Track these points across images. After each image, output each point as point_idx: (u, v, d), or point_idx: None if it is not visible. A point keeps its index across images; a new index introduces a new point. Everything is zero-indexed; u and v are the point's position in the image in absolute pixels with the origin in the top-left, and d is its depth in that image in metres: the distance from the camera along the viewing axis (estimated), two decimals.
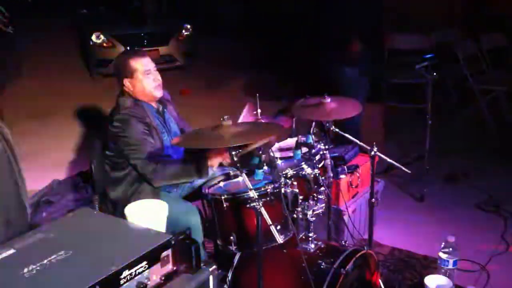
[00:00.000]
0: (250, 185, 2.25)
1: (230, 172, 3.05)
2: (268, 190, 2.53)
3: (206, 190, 2.76)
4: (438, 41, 6.15)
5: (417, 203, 4.40)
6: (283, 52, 8.19)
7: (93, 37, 7.91)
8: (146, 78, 2.98)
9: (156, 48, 7.99)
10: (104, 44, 7.93)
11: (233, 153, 2.29)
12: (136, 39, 8.00)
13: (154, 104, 3.12)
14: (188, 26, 8.47)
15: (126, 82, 3.00)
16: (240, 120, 3.22)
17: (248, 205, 2.23)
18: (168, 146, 3.06)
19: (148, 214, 2.01)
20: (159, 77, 3.06)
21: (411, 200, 4.45)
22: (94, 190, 3.18)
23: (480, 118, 5.70)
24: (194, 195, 3.27)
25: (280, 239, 2.31)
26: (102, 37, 7.93)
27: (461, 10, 7.26)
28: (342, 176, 3.49)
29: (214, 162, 2.70)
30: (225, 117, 2.34)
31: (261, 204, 2.19)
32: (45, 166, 5.10)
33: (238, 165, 2.28)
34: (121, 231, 1.65)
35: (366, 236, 3.53)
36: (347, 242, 2.90)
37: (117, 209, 3.01)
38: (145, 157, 2.82)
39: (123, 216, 2.83)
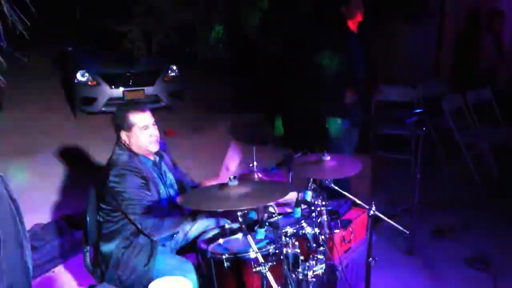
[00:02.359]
0: (256, 249, 2.22)
1: (226, 225, 3.03)
2: (270, 251, 2.50)
3: (205, 247, 2.72)
4: (425, 94, 6.29)
5: (406, 256, 4.39)
6: (272, 95, 8.26)
7: (78, 75, 7.88)
8: (142, 133, 2.98)
9: (142, 88, 7.99)
10: (89, 83, 7.89)
11: (239, 214, 2.28)
12: (122, 78, 7.99)
13: (150, 156, 3.10)
14: (174, 67, 8.50)
15: (123, 134, 3.00)
16: (226, 160, 3.24)
17: (253, 269, 2.20)
18: (165, 198, 3.04)
19: None
20: (156, 132, 3.05)
21: (399, 253, 4.44)
22: (86, 242, 3.11)
23: (466, 172, 5.78)
24: (187, 248, 3.24)
25: None
26: (87, 75, 7.89)
27: (448, 64, 7.47)
28: (336, 231, 3.48)
29: None
30: (232, 177, 2.33)
31: (267, 268, 2.17)
32: (28, 205, 4.96)
33: (243, 226, 2.27)
34: None
35: None
36: None
37: (109, 262, 2.95)
38: (144, 212, 2.80)
39: (114, 270, 2.80)
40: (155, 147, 3.06)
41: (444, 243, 4.58)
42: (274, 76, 8.45)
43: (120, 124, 3.00)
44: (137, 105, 3.10)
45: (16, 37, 3.79)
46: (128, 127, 2.98)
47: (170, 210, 3.02)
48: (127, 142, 3.00)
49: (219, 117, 8.21)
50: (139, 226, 2.81)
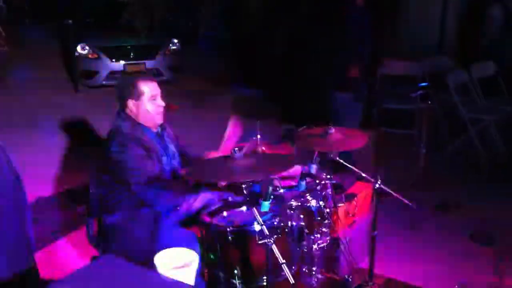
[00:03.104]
0: (261, 221, 2.19)
1: (229, 198, 2.99)
2: (275, 224, 2.47)
3: (208, 219, 2.70)
4: (430, 69, 6.21)
5: (409, 231, 4.38)
6: (275, 71, 8.18)
7: (78, 48, 7.80)
8: (151, 103, 2.94)
9: (143, 62, 7.92)
10: (90, 56, 7.82)
11: (243, 186, 2.24)
12: (122, 51, 7.92)
13: (153, 128, 3.06)
14: (176, 41, 8.42)
15: (130, 103, 2.94)
16: (226, 134, 3.20)
17: (259, 241, 2.17)
18: (168, 169, 3.01)
19: (179, 265, 1.92)
20: (163, 103, 3.00)
21: (402, 228, 4.42)
22: (89, 214, 3.08)
23: (470, 147, 5.74)
24: (191, 220, 3.21)
25: (291, 278, 2.25)
26: (87, 48, 7.82)
27: (453, 39, 7.37)
28: (340, 205, 3.46)
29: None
30: (236, 149, 2.29)
31: (272, 241, 2.14)
32: (30, 179, 4.94)
33: (248, 198, 2.24)
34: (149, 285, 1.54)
35: (361, 265, 3.51)
36: (350, 277, 2.85)
37: (113, 234, 2.92)
38: (145, 181, 2.77)
39: (118, 242, 2.78)
40: (161, 119, 3.02)
41: (448, 218, 4.56)
42: (277, 52, 8.38)
43: (129, 92, 2.94)
44: (145, 75, 3.07)
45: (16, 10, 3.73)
46: (138, 96, 2.92)
47: (173, 181, 2.99)
48: (134, 111, 2.95)
49: (220, 92, 8.15)
50: (141, 196, 2.77)
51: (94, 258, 2.85)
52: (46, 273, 3.05)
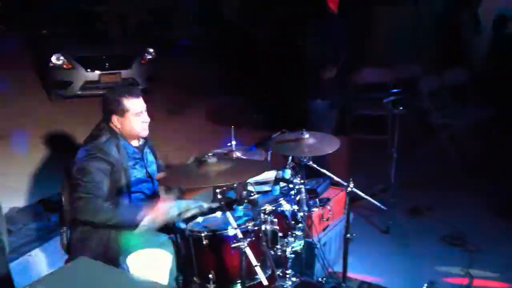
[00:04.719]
0: (235, 224, 2.23)
1: (204, 204, 3.02)
2: (249, 228, 2.51)
3: (183, 225, 2.72)
4: (401, 75, 6.33)
5: (383, 235, 4.45)
6: (251, 79, 8.25)
7: (53, 59, 7.75)
8: (136, 119, 2.94)
9: (118, 71, 7.89)
10: (64, 66, 7.76)
11: (217, 191, 2.28)
12: (97, 61, 7.88)
13: (134, 142, 3.06)
14: (151, 50, 8.42)
15: (115, 119, 2.94)
16: None
17: (232, 245, 2.20)
18: (143, 181, 3.01)
19: (152, 265, 1.94)
20: (148, 119, 3.01)
21: (377, 232, 4.50)
22: (61, 223, 3.07)
23: (442, 152, 5.86)
24: (167, 228, 3.21)
25: (265, 280, 2.28)
26: (62, 58, 7.77)
27: (424, 45, 7.51)
28: (315, 209, 3.51)
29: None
30: (210, 154, 2.33)
31: (246, 244, 2.18)
32: (4, 189, 4.91)
33: (222, 203, 2.27)
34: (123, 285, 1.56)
35: (336, 268, 3.56)
36: (324, 279, 2.90)
37: (85, 241, 2.91)
38: (94, 196, 2.72)
39: (90, 249, 2.77)
40: (146, 133, 3.03)
41: (421, 222, 4.65)
42: (255, 59, 8.44)
43: (114, 108, 2.93)
44: (131, 90, 3.02)
45: None
46: (122, 113, 2.92)
47: (132, 200, 2.95)
48: (118, 127, 2.95)
49: (196, 100, 8.18)
50: (80, 209, 2.72)
51: (68, 261, 2.83)
52: (21, 283, 3.03)
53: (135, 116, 2.93)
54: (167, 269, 1.99)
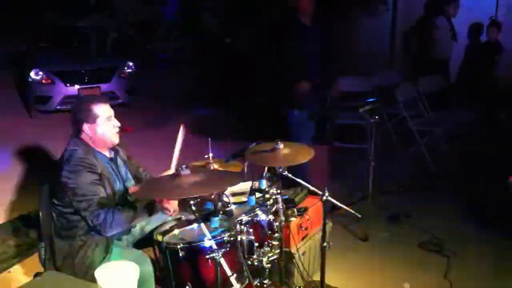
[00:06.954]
0: (209, 235, 2.24)
1: (182, 217, 3.03)
2: (225, 238, 2.53)
3: (160, 238, 2.73)
4: (379, 84, 6.42)
5: (362, 243, 4.48)
6: (230, 91, 8.28)
7: (32, 74, 7.73)
8: (106, 124, 2.96)
9: (98, 85, 7.90)
10: (43, 81, 7.75)
11: (191, 202, 2.29)
12: (77, 76, 7.88)
13: (106, 153, 3.07)
14: (131, 63, 8.43)
15: (86, 127, 2.94)
16: (177, 144, 3.23)
17: (207, 256, 2.22)
18: (120, 193, 3.02)
19: (119, 278, 1.94)
20: (118, 123, 3.03)
21: (355, 239, 4.53)
22: (40, 239, 3.06)
23: (420, 159, 5.93)
24: (145, 242, 3.22)
25: None
26: (41, 73, 7.75)
27: (401, 53, 7.61)
28: (292, 219, 3.53)
29: (167, 207, 2.71)
30: (183, 166, 2.35)
31: (220, 255, 2.19)
32: None
33: (196, 214, 2.29)
34: None
35: (315, 277, 3.58)
36: None
37: (64, 258, 2.91)
38: (96, 208, 2.76)
39: (69, 266, 2.77)
40: (117, 139, 3.04)
41: (399, 229, 4.69)
42: (233, 70, 8.49)
43: (83, 116, 2.94)
44: (98, 97, 3.09)
45: None
46: (93, 119, 2.93)
47: (124, 206, 2.98)
48: (90, 134, 2.96)
49: (175, 113, 8.18)
50: (90, 223, 2.76)
51: (36, 275, 2.82)
52: None
53: (106, 121, 2.95)
54: (134, 281, 2.00)
